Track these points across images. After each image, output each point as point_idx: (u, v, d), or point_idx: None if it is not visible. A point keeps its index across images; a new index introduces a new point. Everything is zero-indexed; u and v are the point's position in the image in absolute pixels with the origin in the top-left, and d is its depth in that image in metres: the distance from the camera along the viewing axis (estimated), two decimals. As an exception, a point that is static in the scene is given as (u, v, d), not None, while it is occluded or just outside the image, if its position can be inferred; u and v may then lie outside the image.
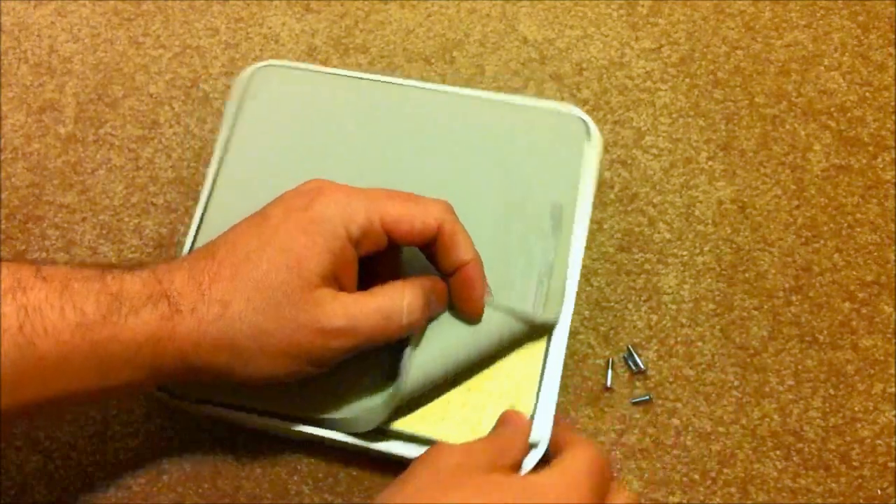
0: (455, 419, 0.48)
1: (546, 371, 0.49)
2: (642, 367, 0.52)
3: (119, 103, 0.60)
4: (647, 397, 0.51)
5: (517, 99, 0.55)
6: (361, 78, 0.56)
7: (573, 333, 0.51)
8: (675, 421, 0.51)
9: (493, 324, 0.47)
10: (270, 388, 0.47)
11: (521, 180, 0.52)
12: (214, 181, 0.53)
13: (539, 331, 0.49)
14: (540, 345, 0.49)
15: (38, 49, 0.62)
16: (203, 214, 0.52)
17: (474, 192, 0.52)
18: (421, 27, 0.63)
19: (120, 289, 0.41)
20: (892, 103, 0.60)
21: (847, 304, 0.54)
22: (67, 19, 0.63)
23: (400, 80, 0.56)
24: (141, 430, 0.51)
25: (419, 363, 0.45)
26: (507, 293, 0.49)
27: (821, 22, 0.63)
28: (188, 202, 0.57)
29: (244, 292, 0.41)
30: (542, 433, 0.47)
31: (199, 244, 0.51)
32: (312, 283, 0.42)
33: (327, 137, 0.55)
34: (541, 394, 0.49)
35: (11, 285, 0.39)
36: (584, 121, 0.54)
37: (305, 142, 0.54)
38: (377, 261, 0.47)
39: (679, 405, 0.52)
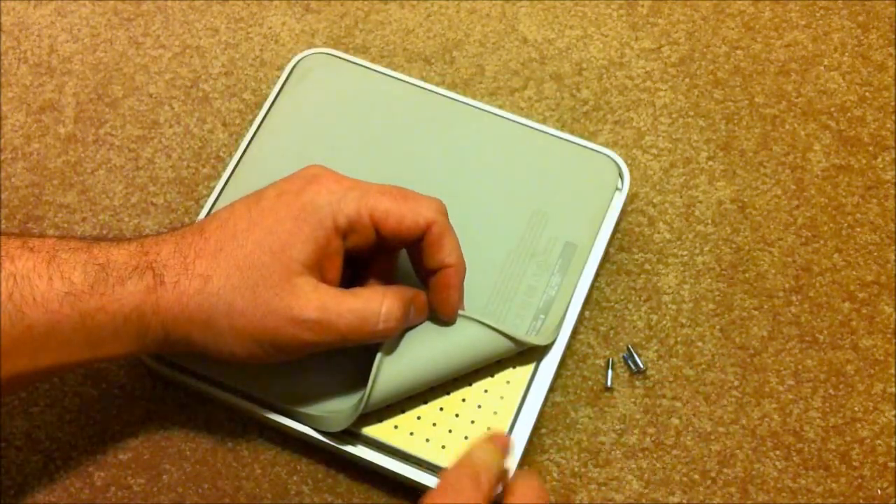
0: (424, 435, 0.47)
1: (525, 404, 0.49)
2: (642, 367, 0.52)
3: (119, 103, 0.60)
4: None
5: (561, 134, 0.56)
6: (407, 82, 0.57)
7: (573, 333, 0.51)
8: (675, 421, 0.51)
9: (471, 341, 0.47)
10: (250, 369, 0.48)
11: (543, 215, 0.52)
12: (240, 159, 0.54)
13: (526, 359, 0.49)
14: (524, 375, 0.49)
15: (38, 49, 0.62)
16: (223, 188, 0.54)
17: (494, 217, 0.53)
18: (421, 27, 0.63)
19: (107, 260, 0.41)
20: (892, 103, 0.60)
21: (847, 304, 0.54)
22: (67, 19, 0.63)
23: (445, 92, 0.57)
24: (141, 429, 0.51)
25: (388, 371, 0.45)
26: (501, 319, 0.49)
27: (821, 22, 0.63)
28: (188, 202, 0.57)
29: (225, 269, 0.42)
30: (510, 466, 0.44)
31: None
32: (293, 270, 0.42)
33: (358, 134, 0.55)
34: (515, 427, 0.48)
35: None
36: (619, 168, 0.54)
37: (335, 135, 0.55)
38: (371, 262, 0.47)
39: (679, 405, 0.52)
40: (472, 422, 0.48)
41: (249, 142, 0.55)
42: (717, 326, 0.53)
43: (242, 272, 0.42)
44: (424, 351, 0.46)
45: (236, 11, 0.63)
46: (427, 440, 0.47)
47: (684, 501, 0.49)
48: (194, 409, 0.51)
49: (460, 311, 0.47)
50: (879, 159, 0.58)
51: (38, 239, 0.41)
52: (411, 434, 0.47)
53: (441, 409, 0.48)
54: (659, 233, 0.56)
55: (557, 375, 0.51)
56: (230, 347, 0.42)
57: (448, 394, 0.48)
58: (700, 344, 0.53)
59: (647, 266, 0.55)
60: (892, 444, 0.51)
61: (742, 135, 0.59)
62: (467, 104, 0.56)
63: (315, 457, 0.50)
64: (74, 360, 0.42)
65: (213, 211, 0.47)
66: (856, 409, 0.51)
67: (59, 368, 0.42)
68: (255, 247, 0.42)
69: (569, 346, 0.51)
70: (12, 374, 0.41)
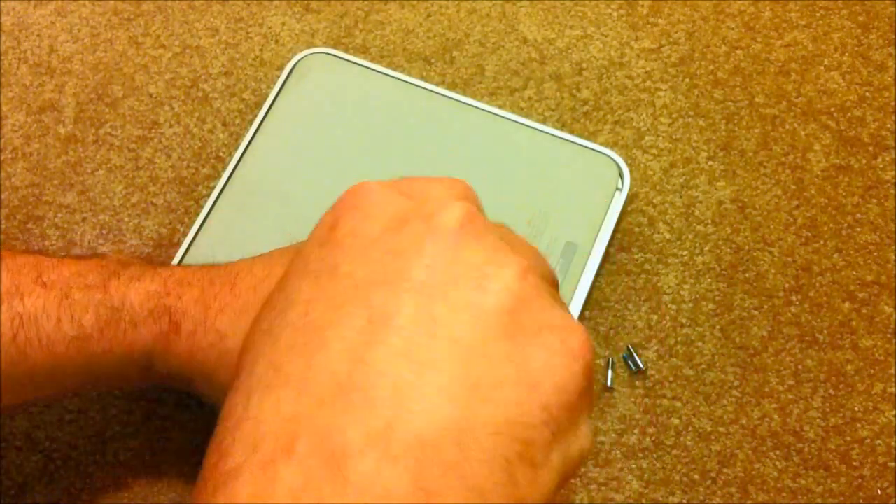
0: None
1: None
2: (642, 367, 0.52)
3: (119, 103, 0.60)
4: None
5: (561, 134, 0.56)
6: (407, 82, 0.57)
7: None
8: (675, 421, 0.51)
9: None
10: None
11: (543, 215, 0.52)
12: (240, 159, 0.54)
13: None
14: None
15: (38, 49, 0.62)
16: (223, 188, 0.54)
17: (494, 217, 0.52)
18: (421, 27, 0.63)
19: (122, 301, 0.40)
20: (892, 103, 0.60)
21: (847, 304, 0.54)
22: (67, 19, 0.63)
23: (445, 92, 0.57)
24: (141, 430, 0.51)
25: None
26: None
27: (821, 22, 0.63)
28: (188, 202, 0.57)
29: (244, 331, 0.39)
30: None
31: (217, 218, 0.53)
32: None
33: (358, 134, 0.55)
34: None
35: (9, 290, 0.39)
36: (619, 168, 0.54)
37: (335, 135, 0.55)
38: None
39: (679, 405, 0.52)
40: None
41: (249, 142, 0.55)
42: (717, 326, 0.53)
43: None
44: None
45: (236, 11, 0.63)
46: None
47: (684, 501, 0.49)
48: (194, 409, 0.51)
49: None
50: (879, 159, 0.58)
51: (54, 270, 0.40)
52: None
53: None
54: (659, 233, 0.56)
55: (557, 375, 0.51)
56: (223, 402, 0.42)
57: None
58: (700, 344, 0.53)
59: (647, 266, 0.55)
60: (892, 444, 0.51)
61: (742, 135, 0.59)
62: (467, 104, 0.56)
63: (315, 457, 0.50)
64: (74, 390, 0.41)
65: (253, 258, 0.44)
66: (856, 409, 0.51)
67: (58, 397, 0.42)
68: None
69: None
70: (11, 405, 0.40)
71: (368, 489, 0.23)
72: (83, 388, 0.42)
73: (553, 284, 0.31)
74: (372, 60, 0.60)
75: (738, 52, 0.62)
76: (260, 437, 0.25)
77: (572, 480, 0.50)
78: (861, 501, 0.49)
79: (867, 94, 0.60)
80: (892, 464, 0.50)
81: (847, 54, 0.62)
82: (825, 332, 0.53)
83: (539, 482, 0.26)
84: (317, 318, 0.27)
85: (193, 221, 0.54)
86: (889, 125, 0.59)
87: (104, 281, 0.41)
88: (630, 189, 0.54)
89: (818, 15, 0.63)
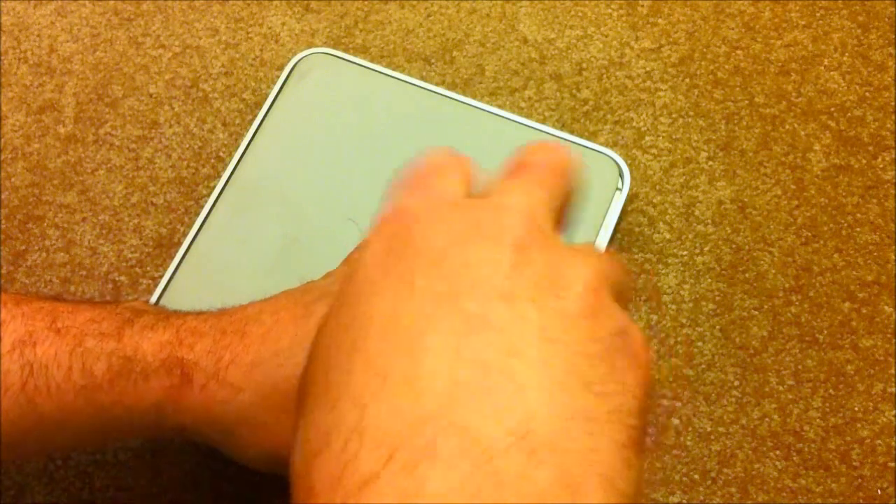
0: None
1: None
2: (642, 367, 0.52)
3: (119, 103, 0.60)
4: None
5: (561, 134, 0.56)
6: (407, 82, 0.57)
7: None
8: (675, 421, 0.51)
9: None
10: None
11: None
12: (240, 159, 0.55)
13: None
14: None
15: (38, 49, 0.62)
16: (223, 188, 0.54)
17: None
18: (421, 27, 0.63)
19: (135, 351, 0.39)
20: (892, 103, 0.60)
21: (847, 304, 0.54)
22: (67, 19, 0.63)
23: (445, 92, 0.57)
24: (141, 430, 0.51)
25: None
26: None
27: (821, 22, 0.63)
28: (188, 202, 0.57)
29: (260, 385, 0.39)
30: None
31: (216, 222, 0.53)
32: None
33: (358, 134, 0.55)
34: None
35: (22, 338, 0.38)
36: (619, 168, 0.54)
37: (335, 135, 0.55)
38: None
39: (679, 405, 0.52)
40: None
41: (249, 142, 0.55)
42: (717, 326, 0.53)
43: (279, 393, 0.39)
44: None
45: (236, 11, 0.63)
46: None
47: (684, 501, 0.49)
48: (194, 409, 0.51)
49: None
50: (879, 159, 0.58)
51: (69, 316, 0.40)
52: None
53: None
54: (659, 233, 0.56)
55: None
56: (247, 458, 0.41)
57: None
58: (700, 344, 0.53)
59: (647, 266, 0.55)
60: (892, 444, 0.51)
61: (742, 135, 0.59)
62: (467, 104, 0.56)
63: (315, 457, 0.50)
64: (83, 444, 0.41)
65: (263, 303, 0.42)
66: (856, 409, 0.51)
67: (67, 450, 0.41)
68: (294, 370, 0.39)
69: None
70: (19, 455, 0.40)
71: (523, 489, 0.23)
72: (93, 441, 0.41)
73: (619, 278, 0.31)
74: (372, 60, 0.60)
75: (738, 52, 0.62)
76: (392, 442, 0.24)
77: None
78: (861, 501, 0.49)
79: (867, 94, 0.60)
80: (892, 464, 0.50)
81: (847, 54, 0.62)
82: (825, 332, 0.53)
83: (642, 465, 0.27)
84: (408, 327, 0.26)
85: (193, 221, 0.54)
86: (889, 125, 0.59)
87: (118, 329, 0.40)
88: (630, 189, 0.54)
89: (818, 15, 0.63)
